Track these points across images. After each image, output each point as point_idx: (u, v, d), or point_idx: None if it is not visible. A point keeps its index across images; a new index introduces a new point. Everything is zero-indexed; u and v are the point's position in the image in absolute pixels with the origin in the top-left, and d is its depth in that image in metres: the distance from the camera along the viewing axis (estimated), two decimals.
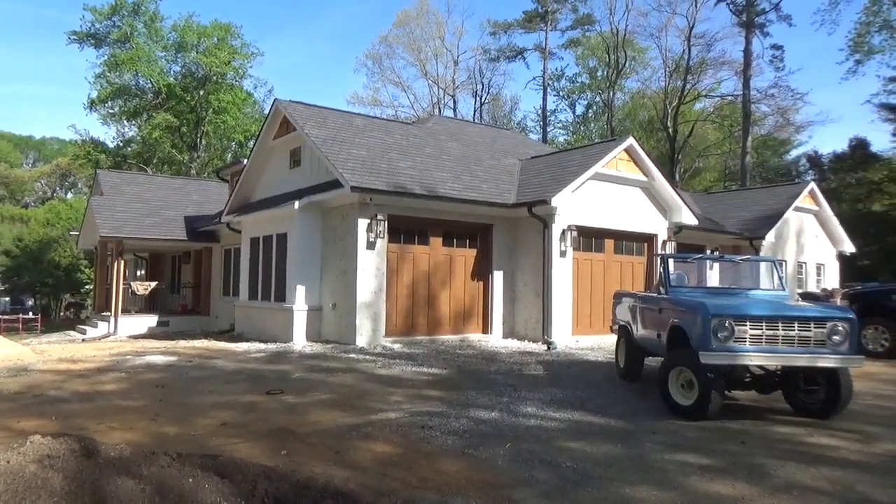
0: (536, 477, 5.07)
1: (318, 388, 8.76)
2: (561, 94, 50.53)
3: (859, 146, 37.65)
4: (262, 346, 13.34)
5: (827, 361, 6.59)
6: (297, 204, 13.37)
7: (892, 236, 33.49)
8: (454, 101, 49.60)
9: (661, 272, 8.36)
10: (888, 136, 52.11)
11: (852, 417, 7.21)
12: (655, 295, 8.43)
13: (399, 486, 4.80)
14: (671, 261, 8.46)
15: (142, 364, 10.64)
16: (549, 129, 48.88)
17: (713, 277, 12.95)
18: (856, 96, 64.73)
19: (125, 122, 41.01)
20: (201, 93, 37.80)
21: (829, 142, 74.96)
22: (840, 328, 6.62)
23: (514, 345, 13.89)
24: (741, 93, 38.30)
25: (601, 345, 13.67)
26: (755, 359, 6.61)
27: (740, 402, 7.92)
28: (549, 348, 13.04)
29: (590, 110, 50.70)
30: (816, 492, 4.82)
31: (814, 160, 41.68)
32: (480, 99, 50.83)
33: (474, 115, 49.17)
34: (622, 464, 5.48)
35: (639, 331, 8.95)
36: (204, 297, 21.50)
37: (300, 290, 13.50)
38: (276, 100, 15.17)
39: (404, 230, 13.70)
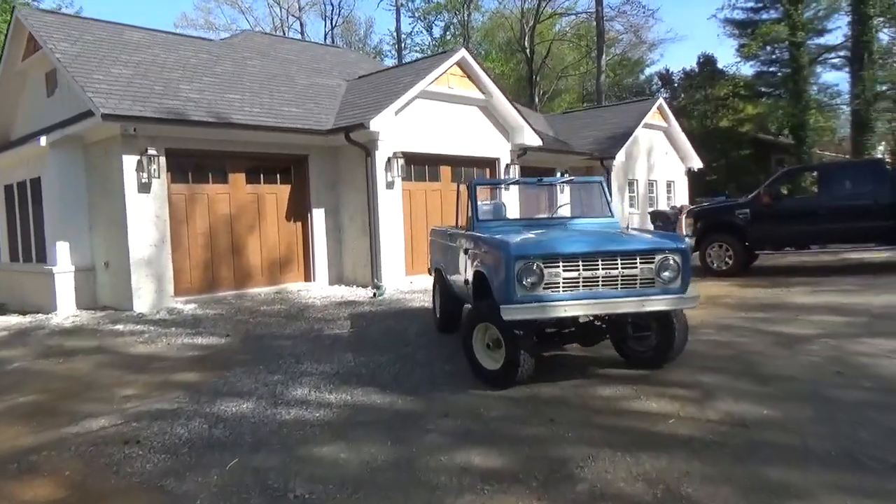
0: None
1: (29, 383, 6.54)
2: (416, 15, 47.69)
3: (706, 63, 38.29)
4: (17, 319, 10.64)
5: (656, 304, 5.23)
6: (43, 140, 10.49)
7: (737, 151, 34.61)
8: (301, 25, 45.63)
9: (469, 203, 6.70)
10: (733, 51, 53.96)
11: (688, 361, 6.04)
12: (462, 231, 6.79)
13: None
14: (480, 188, 6.81)
15: None
16: (406, 54, 46.23)
17: (564, 205, 11.70)
18: (703, 12, 66.29)
19: None
20: None
21: (681, 60, 77.22)
22: (670, 262, 5.26)
23: (339, 293, 12.06)
24: (594, 10, 37.48)
25: None
26: (570, 309, 5.13)
27: (566, 353, 6.57)
28: (374, 295, 11.33)
29: (447, 32, 48.32)
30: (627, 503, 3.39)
31: (665, 78, 42.22)
32: (331, 22, 47.09)
33: (325, 39, 45.51)
34: (377, 480, 3.84)
35: (450, 275, 7.34)
36: None
37: (62, 248, 10.80)
38: (14, 8, 11.87)
39: (193, 167, 11.24)
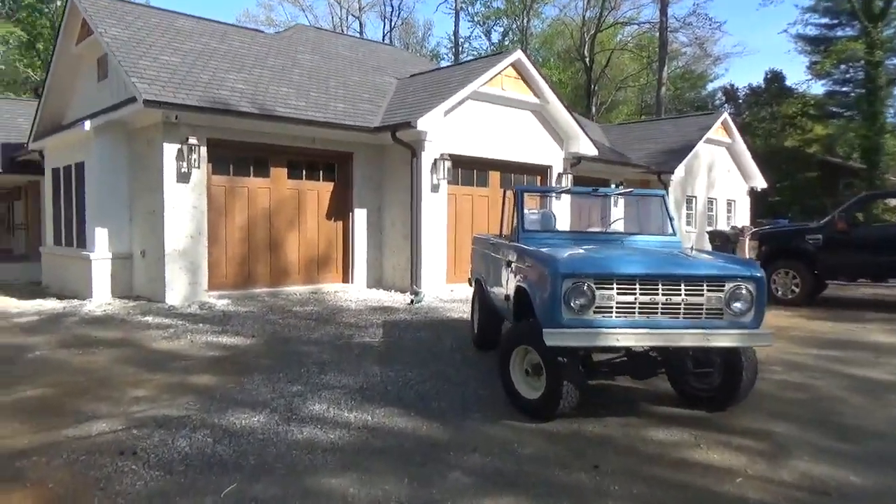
0: None
1: (43, 375, 6.24)
2: (476, 19, 47.29)
3: (774, 79, 36.73)
4: (53, 304, 10.53)
5: (724, 340, 4.55)
6: (88, 124, 10.36)
7: (802, 172, 32.99)
8: (360, 24, 45.73)
9: (516, 211, 6.11)
10: (804, 68, 51.79)
11: (756, 405, 5.32)
12: (506, 242, 6.20)
13: None
14: (528, 195, 6.23)
15: None
16: (462, 58, 45.78)
17: (618, 220, 11.00)
18: (774, 27, 64.00)
19: None
20: (58, 3, 32.47)
21: (747, 76, 74.46)
22: (743, 291, 4.57)
23: (376, 297, 11.60)
24: (658, 21, 36.32)
25: None
26: (624, 338, 4.49)
27: (614, 383, 5.91)
28: (412, 302, 10.82)
29: (506, 38, 47.75)
30: None
31: (729, 94, 40.69)
32: (390, 22, 47.09)
33: (383, 40, 45.47)
34: None
35: (491, 288, 6.77)
36: (34, 240, 18.14)
37: (100, 234, 10.65)
38: None
39: (235, 159, 10.95)
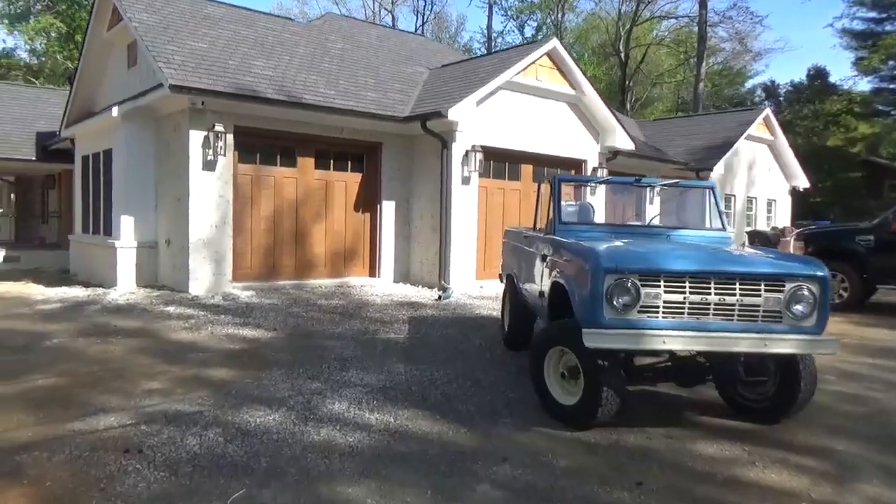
0: None
1: (57, 364, 6.05)
2: (509, 13, 46.62)
3: (817, 76, 35.51)
4: (78, 291, 10.44)
5: (783, 346, 4.12)
6: (115, 110, 10.21)
7: (845, 173, 31.82)
8: (393, 18, 45.35)
9: (552, 202, 5.71)
10: (849, 64, 50.11)
11: (812, 419, 4.87)
12: (541, 235, 5.80)
13: None
14: (565, 185, 5.83)
15: None
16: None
17: (654, 213, 10.52)
18: (818, 21, 62.04)
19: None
20: None
21: (788, 73, 72.36)
22: (805, 293, 4.13)
23: (402, 291, 11.28)
24: (697, 14, 35.36)
25: None
26: (671, 341, 4.08)
27: (653, 389, 5.49)
28: (440, 298, 10.47)
29: (540, 33, 47.07)
30: None
31: (770, 90, 39.49)
32: (423, 16, 46.68)
33: (416, 33, 45.16)
34: None
35: (523, 284, 6.39)
36: (66, 228, 18.24)
37: (126, 222, 10.50)
38: None
39: (262, 148, 10.72)
